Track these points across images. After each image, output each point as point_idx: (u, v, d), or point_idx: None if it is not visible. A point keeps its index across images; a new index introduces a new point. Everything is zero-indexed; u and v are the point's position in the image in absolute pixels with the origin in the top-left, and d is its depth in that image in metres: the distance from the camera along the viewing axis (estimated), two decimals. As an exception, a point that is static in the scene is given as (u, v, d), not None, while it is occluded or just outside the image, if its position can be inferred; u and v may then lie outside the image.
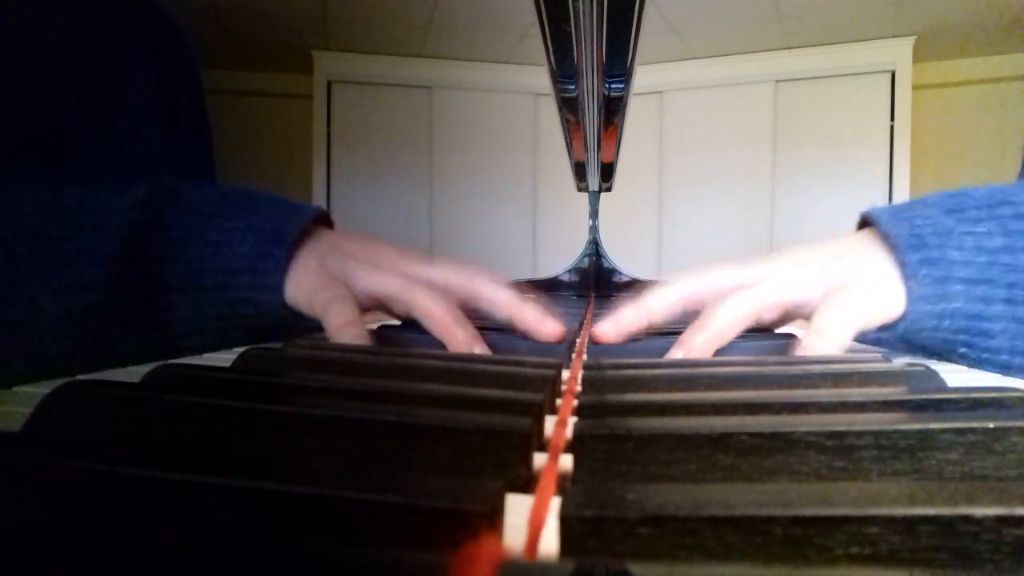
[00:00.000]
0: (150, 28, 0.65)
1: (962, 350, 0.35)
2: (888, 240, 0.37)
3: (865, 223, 0.41)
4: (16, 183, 0.41)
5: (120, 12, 0.61)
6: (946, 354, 0.37)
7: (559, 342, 0.39)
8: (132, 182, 0.40)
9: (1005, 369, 0.35)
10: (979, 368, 0.35)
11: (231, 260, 0.37)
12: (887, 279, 0.36)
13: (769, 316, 0.38)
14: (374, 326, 0.44)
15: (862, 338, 0.38)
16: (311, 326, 0.40)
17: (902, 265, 0.35)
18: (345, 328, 0.37)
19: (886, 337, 0.37)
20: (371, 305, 0.41)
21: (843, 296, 0.36)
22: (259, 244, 0.38)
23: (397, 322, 0.46)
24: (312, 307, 0.38)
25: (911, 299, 0.35)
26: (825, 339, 0.34)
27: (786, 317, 0.39)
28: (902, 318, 0.35)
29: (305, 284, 0.38)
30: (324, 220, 0.43)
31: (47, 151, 0.49)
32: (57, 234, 0.37)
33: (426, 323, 0.38)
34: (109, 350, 0.37)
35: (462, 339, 0.37)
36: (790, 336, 0.39)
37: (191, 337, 0.39)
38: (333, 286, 0.38)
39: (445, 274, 0.41)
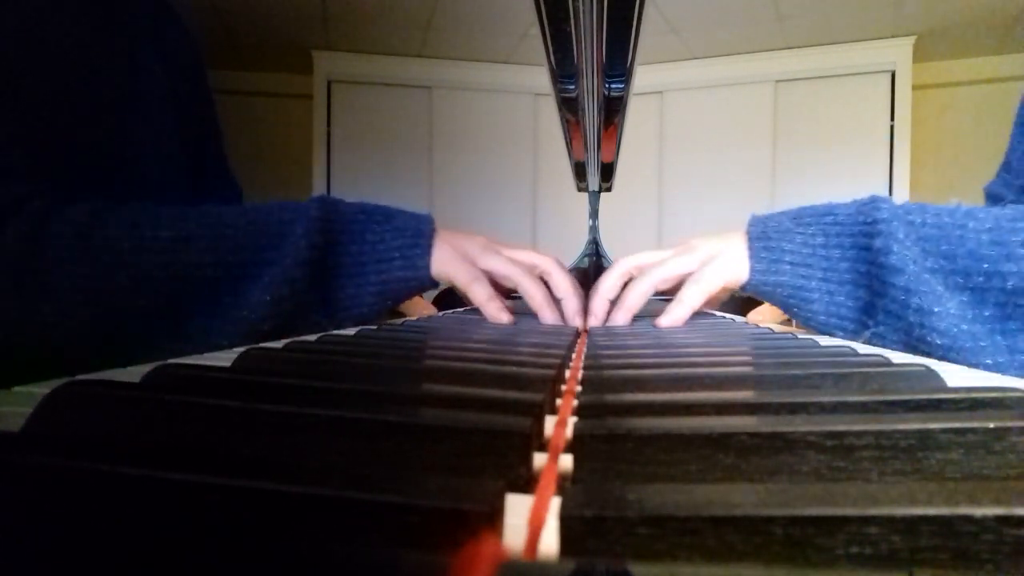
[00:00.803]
0: (157, 24, 0.68)
1: (794, 309, 0.52)
2: (747, 234, 0.54)
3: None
4: (45, 175, 0.49)
5: (128, 9, 0.64)
6: (785, 310, 0.54)
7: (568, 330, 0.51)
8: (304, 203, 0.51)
9: (823, 325, 0.51)
10: (806, 322, 0.52)
11: (384, 253, 0.52)
12: (738, 258, 0.53)
13: (665, 286, 0.58)
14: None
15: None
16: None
17: (749, 249, 0.53)
18: (491, 302, 0.54)
19: (739, 296, 0.56)
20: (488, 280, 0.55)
21: (701, 271, 0.54)
22: (406, 240, 0.53)
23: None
24: (456, 280, 0.54)
25: (752, 271, 0.53)
26: (682, 306, 0.54)
27: (678, 285, 0.57)
28: (747, 283, 0.53)
29: (447, 263, 0.54)
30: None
31: (60, 146, 0.53)
32: (259, 243, 0.49)
33: (529, 301, 0.55)
34: (294, 326, 0.48)
35: (551, 317, 0.55)
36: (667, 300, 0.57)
37: (353, 311, 0.52)
38: (469, 267, 0.54)
39: (530, 258, 0.59)
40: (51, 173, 0.51)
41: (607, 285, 0.59)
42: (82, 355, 0.46)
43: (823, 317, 0.50)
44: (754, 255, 0.52)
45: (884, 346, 0.46)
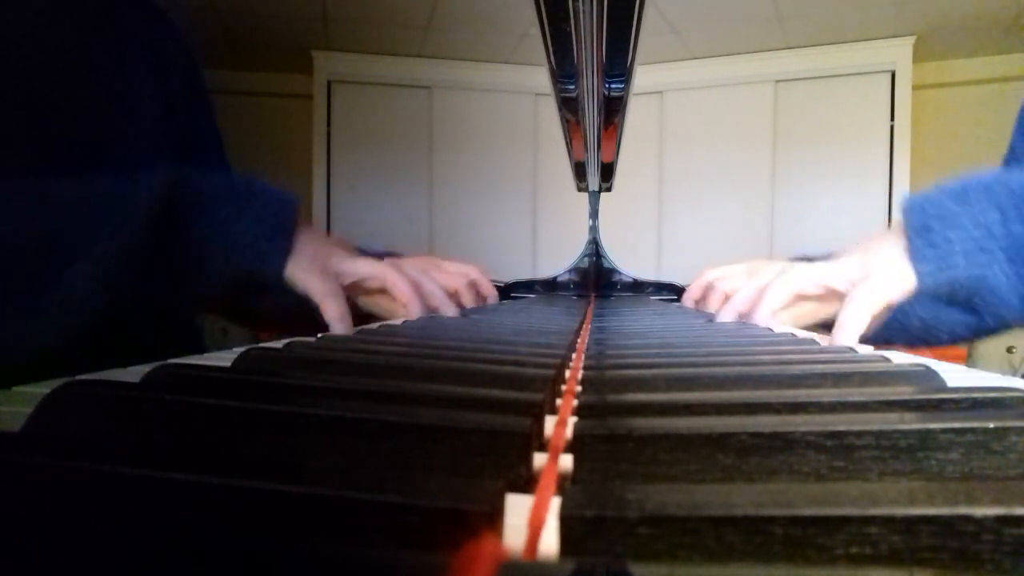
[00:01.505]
0: (144, 22, 0.68)
1: (977, 302, 0.44)
2: (904, 226, 0.46)
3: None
4: (34, 175, 0.47)
5: (115, 8, 0.64)
6: (968, 306, 0.45)
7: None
8: (147, 171, 0.47)
9: (1019, 312, 0.43)
10: (996, 314, 0.44)
11: (237, 236, 0.46)
12: (898, 264, 0.45)
13: (812, 298, 0.49)
14: (375, 326, 0.49)
15: (899, 311, 0.47)
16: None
17: (909, 251, 0.44)
18: (342, 321, 0.47)
19: (916, 307, 0.46)
20: (350, 285, 0.51)
21: (858, 290, 0.45)
22: (263, 229, 0.47)
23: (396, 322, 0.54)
24: (309, 290, 0.48)
25: (919, 276, 0.44)
26: (844, 332, 0.44)
27: (826, 302, 0.50)
28: (917, 290, 0.44)
29: (302, 269, 0.48)
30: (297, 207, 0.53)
31: (46, 141, 0.53)
32: (91, 222, 0.44)
33: (394, 293, 0.51)
34: (131, 312, 0.45)
35: (415, 310, 0.50)
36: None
37: (198, 288, 0.47)
38: (327, 279, 0.48)
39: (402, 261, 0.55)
40: (27, 162, 0.50)
41: (775, 302, 0.50)
42: None
43: (1016, 302, 0.43)
44: (916, 255, 0.44)
45: None
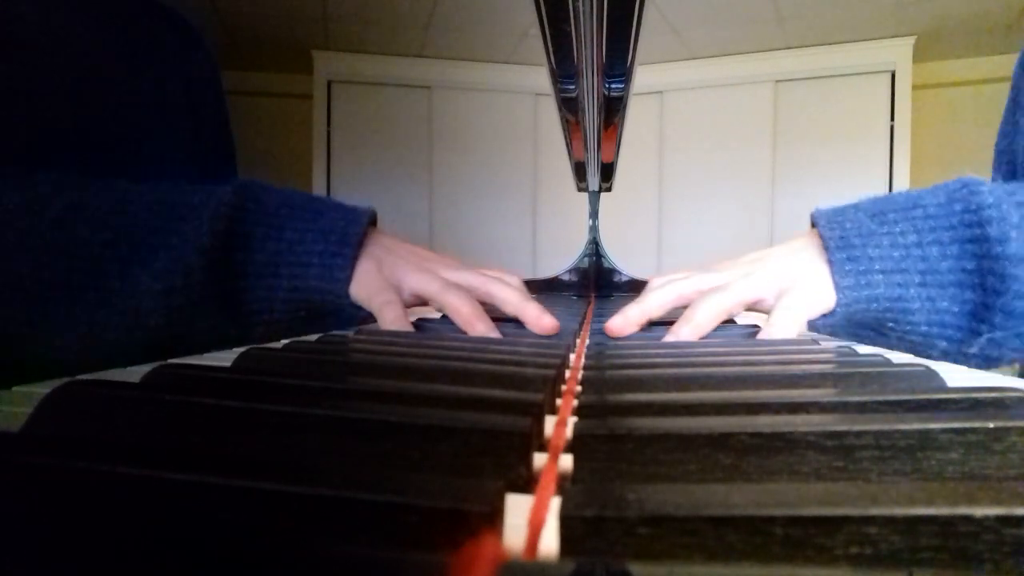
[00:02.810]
0: (176, 37, 0.71)
1: (890, 324, 0.45)
2: (822, 240, 0.46)
3: (813, 223, 0.51)
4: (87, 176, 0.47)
5: (149, 23, 0.67)
6: (879, 328, 0.46)
7: (554, 334, 0.48)
8: (217, 183, 0.47)
9: (925, 337, 0.44)
10: (904, 338, 0.45)
11: (303, 256, 0.46)
12: (822, 277, 0.45)
13: (735, 311, 0.49)
14: (413, 318, 0.49)
15: (810, 326, 0.47)
16: (367, 316, 0.48)
17: (831, 263, 0.45)
18: (394, 323, 0.46)
19: (830, 323, 0.46)
20: (415, 302, 0.50)
21: (789, 297, 0.46)
22: (328, 245, 0.46)
23: (436, 315, 0.55)
24: (369, 304, 0.47)
25: (839, 290, 0.44)
26: (778, 333, 0.45)
27: (748, 310, 0.50)
28: (836, 306, 0.45)
29: (365, 285, 0.47)
30: (374, 220, 0.52)
31: (78, 151, 0.54)
32: (157, 224, 0.43)
33: (454, 319, 0.47)
34: (192, 325, 0.44)
35: (481, 331, 0.46)
36: (754, 327, 0.50)
37: (262, 315, 0.46)
38: (387, 290, 0.47)
39: (469, 278, 0.51)
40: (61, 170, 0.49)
41: (656, 303, 0.51)
42: None
43: (924, 328, 0.44)
44: (838, 269, 0.44)
45: (1001, 355, 0.42)
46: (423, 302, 0.50)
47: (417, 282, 0.48)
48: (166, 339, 0.43)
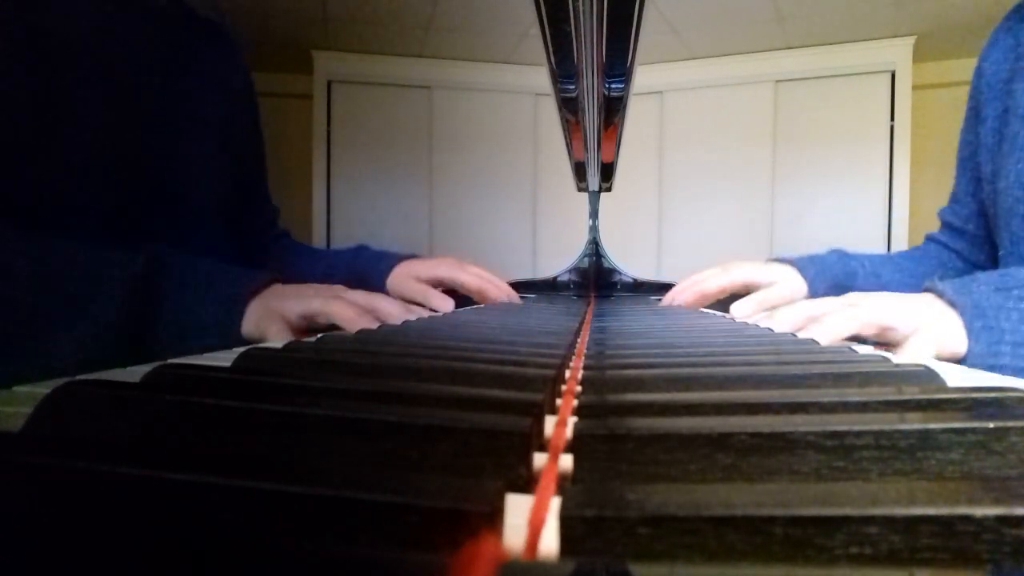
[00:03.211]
0: (218, 54, 0.78)
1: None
2: (955, 307, 0.49)
3: (926, 290, 0.54)
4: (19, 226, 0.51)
5: (194, 37, 0.74)
6: None
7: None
8: (133, 249, 0.52)
9: None
10: None
11: (204, 319, 0.52)
12: (955, 333, 0.48)
13: (867, 332, 0.50)
14: (374, 327, 0.50)
15: None
16: None
17: (968, 329, 0.48)
18: (277, 334, 0.51)
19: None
20: (304, 324, 0.54)
21: (925, 333, 0.48)
22: (223, 306, 0.53)
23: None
24: (258, 331, 0.52)
25: (970, 354, 0.47)
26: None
27: (878, 335, 0.51)
28: (961, 361, 0.47)
29: (250, 321, 0.53)
30: (278, 279, 0.58)
31: (126, 159, 0.61)
32: (77, 291, 0.48)
33: (340, 323, 0.53)
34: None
35: (364, 324, 0.51)
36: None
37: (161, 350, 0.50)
38: (268, 317, 0.53)
39: (353, 296, 0.57)
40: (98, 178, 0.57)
41: (789, 320, 0.54)
42: None
43: None
44: (973, 334, 0.47)
45: None
46: (311, 322, 0.55)
47: (297, 305, 0.54)
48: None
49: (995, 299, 0.48)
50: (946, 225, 0.85)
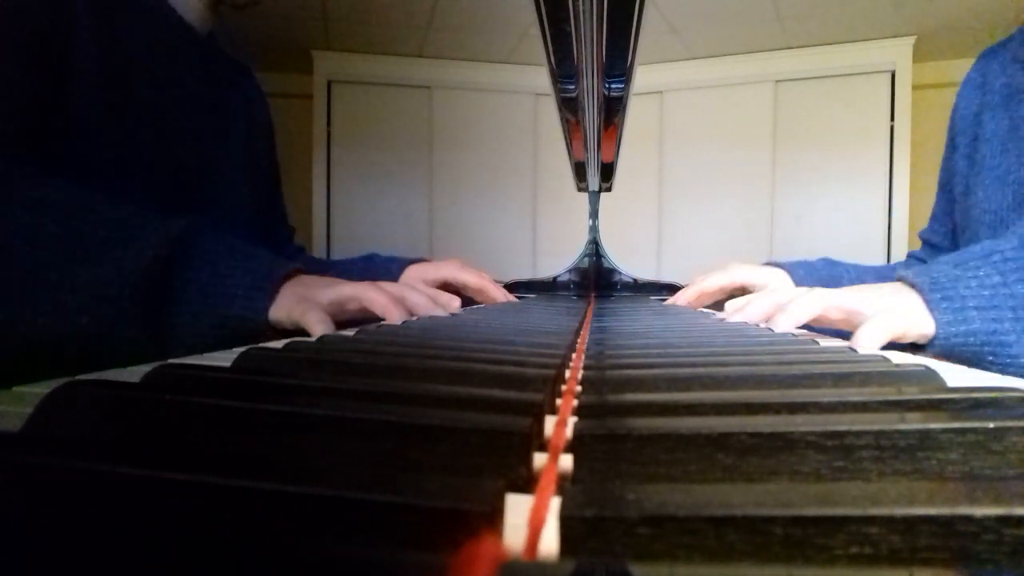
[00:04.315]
0: (245, 94, 0.88)
1: (989, 358, 0.49)
2: (915, 288, 0.52)
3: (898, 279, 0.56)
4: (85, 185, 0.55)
5: (228, 85, 0.83)
6: (977, 363, 0.49)
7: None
8: (173, 215, 0.54)
9: None
10: (1004, 371, 0.46)
11: (230, 288, 0.52)
12: (918, 312, 0.50)
13: (833, 315, 0.53)
14: (375, 326, 0.50)
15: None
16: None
17: (928, 303, 0.50)
18: (318, 323, 0.50)
19: (932, 356, 0.49)
20: (336, 309, 0.55)
21: (882, 316, 0.48)
22: (253, 280, 0.53)
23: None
24: (292, 318, 0.52)
25: (939, 326, 0.48)
26: (865, 335, 0.47)
27: (845, 321, 0.53)
28: (935, 338, 0.49)
29: (282, 306, 0.53)
30: (303, 271, 0.59)
31: (171, 167, 0.69)
32: (112, 236, 0.49)
33: (373, 308, 0.55)
34: (113, 335, 0.48)
35: (397, 315, 0.54)
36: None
37: (184, 339, 0.51)
38: (304, 302, 0.53)
39: (383, 284, 0.59)
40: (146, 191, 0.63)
41: (757, 310, 0.57)
42: None
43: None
44: (935, 307, 0.49)
45: None
46: (342, 309, 0.56)
47: (329, 292, 0.55)
48: (91, 339, 0.47)
49: (952, 272, 0.51)
50: (926, 243, 0.94)
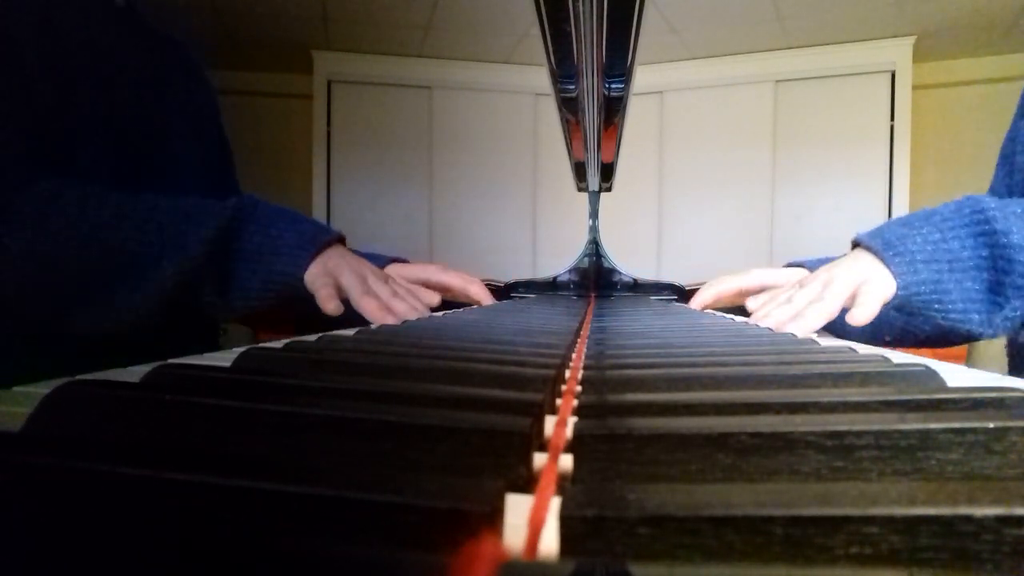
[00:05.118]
0: (183, 70, 0.89)
1: (936, 306, 0.56)
2: (870, 250, 0.58)
3: (854, 245, 0.63)
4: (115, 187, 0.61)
5: (165, 56, 0.85)
6: (927, 311, 0.57)
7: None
8: (223, 196, 0.63)
9: (962, 313, 0.56)
10: (946, 316, 0.56)
11: (279, 247, 0.60)
12: (883, 272, 0.56)
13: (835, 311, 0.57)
14: (375, 327, 0.51)
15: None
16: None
17: (883, 260, 0.56)
18: (326, 300, 0.58)
19: (893, 309, 0.57)
20: (345, 296, 0.61)
21: (868, 285, 0.55)
22: (299, 240, 0.61)
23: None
24: (312, 287, 0.59)
25: (897, 277, 0.55)
26: (862, 311, 0.53)
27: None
28: (897, 290, 0.55)
29: (312, 274, 0.60)
30: (343, 240, 0.66)
31: (111, 156, 0.70)
32: (179, 228, 0.58)
33: (364, 314, 0.59)
34: (196, 295, 0.58)
35: (391, 320, 0.59)
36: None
37: (245, 293, 0.60)
38: (325, 277, 0.60)
39: (387, 288, 0.64)
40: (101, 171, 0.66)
41: (762, 306, 0.62)
42: (22, 311, 0.58)
43: (961, 305, 0.55)
44: (890, 262, 0.56)
45: (1016, 319, 0.53)
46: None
47: (347, 280, 0.60)
48: (177, 301, 0.57)
49: (900, 231, 0.58)
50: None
